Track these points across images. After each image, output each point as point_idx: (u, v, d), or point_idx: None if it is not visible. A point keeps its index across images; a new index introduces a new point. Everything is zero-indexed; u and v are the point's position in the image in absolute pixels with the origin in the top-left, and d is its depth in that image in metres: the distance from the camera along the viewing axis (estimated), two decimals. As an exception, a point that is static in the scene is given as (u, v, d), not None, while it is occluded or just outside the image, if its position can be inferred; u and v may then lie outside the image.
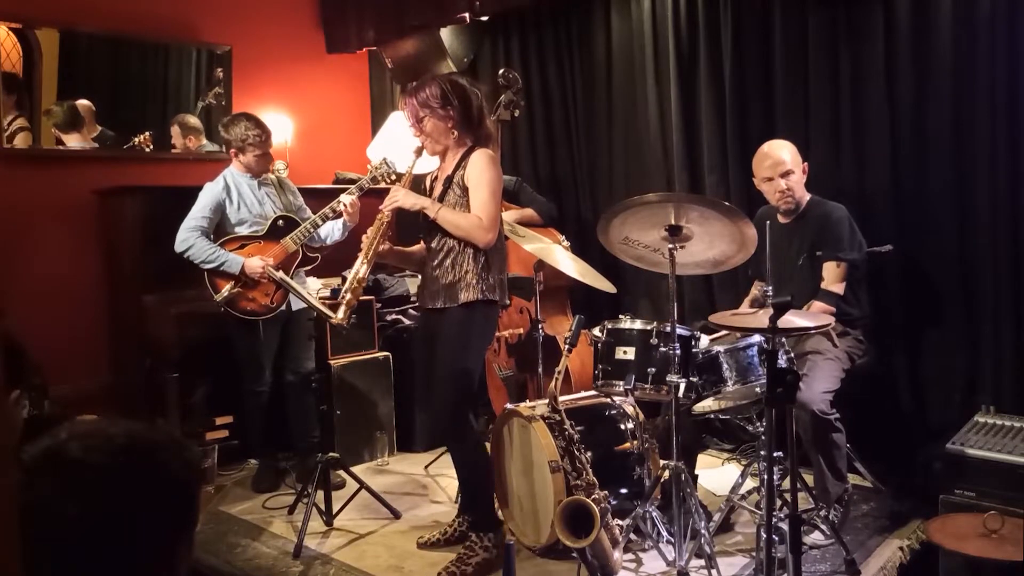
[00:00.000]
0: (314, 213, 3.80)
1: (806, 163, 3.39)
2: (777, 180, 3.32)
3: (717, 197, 3.81)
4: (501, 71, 3.98)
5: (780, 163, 3.31)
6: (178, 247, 3.68)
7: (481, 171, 2.91)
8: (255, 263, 3.65)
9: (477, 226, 2.90)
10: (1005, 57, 3.22)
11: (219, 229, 3.76)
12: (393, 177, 3.69)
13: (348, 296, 3.02)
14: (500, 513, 3.17)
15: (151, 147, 4.60)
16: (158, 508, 0.88)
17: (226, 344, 3.86)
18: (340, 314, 3.03)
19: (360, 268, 3.05)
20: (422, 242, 3.13)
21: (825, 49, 3.68)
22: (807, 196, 3.40)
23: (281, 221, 3.80)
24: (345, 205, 3.60)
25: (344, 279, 4.53)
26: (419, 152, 3.10)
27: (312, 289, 4.11)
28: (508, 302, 3.17)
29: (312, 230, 3.77)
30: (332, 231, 3.87)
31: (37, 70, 4.27)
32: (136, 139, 4.56)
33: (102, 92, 4.53)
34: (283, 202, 3.90)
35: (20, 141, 4.21)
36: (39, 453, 0.87)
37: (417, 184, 3.32)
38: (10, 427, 0.75)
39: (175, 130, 4.79)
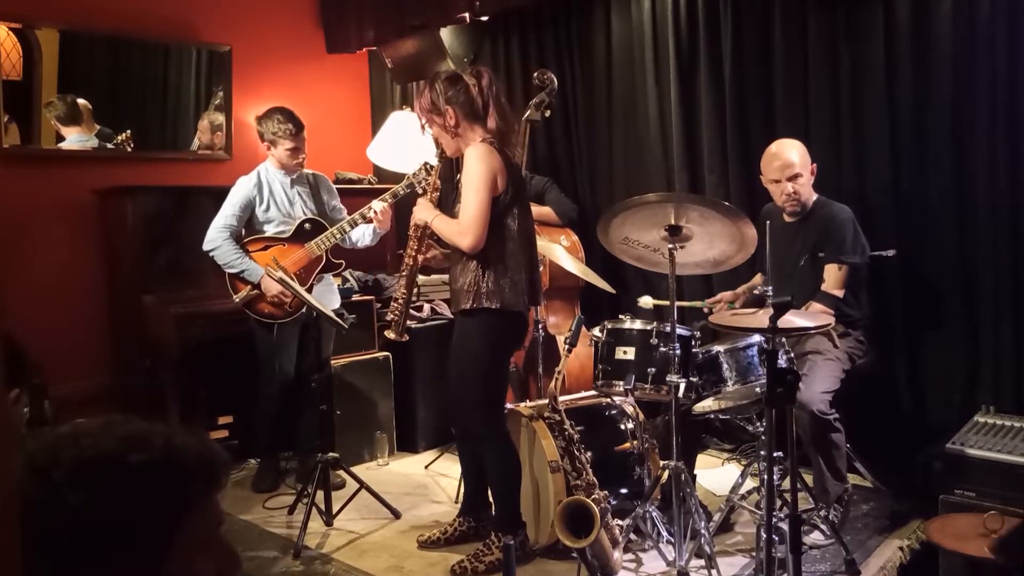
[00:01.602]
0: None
1: (815, 164, 3.37)
2: (784, 183, 3.30)
3: (717, 197, 3.81)
4: (537, 72, 3.95)
5: (788, 166, 3.29)
6: (206, 246, 3.70)
7: (466, 170, 2.82)
8: (273, 287, 3.62)
9: (456, 232, 2.84)
10: (1005, 57, 3.22)
11: (247, 227, 3.77)
12: (432, 181, 3.60)
13: (394, 315, 3.10)
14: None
15: (132, 146, 4.56)
16: (158, 503, 0.88)
17: (227, 344, 3.87)
18: (392, 333, 3.14)
19: (401, 285, 3.12)
20: None
21: (825, 49, 3.67)
22: (814, 196, 3.39)
23: (308, 224, 3.79)
24: (376, 212, 3.60)
25: (344, 279, 4.56)
26: (441, 156, 3.08)
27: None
28: (533, 303, 3.03)
29: (339, 236, 3.74)
30: (363, 236, 3.84)
31: (37, 70, 4.27)
32: (119, 138, 4.54)
33: (102, 92, 4.53)
34: (316, 202, 3.89)
35: (9, 137, 4.20)
36: (40, 448, 0.87)
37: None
38: (10, 425, 0.75)
39: (203, 125, 4.81)
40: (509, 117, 2.99)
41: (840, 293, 3.23)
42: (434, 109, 2.90)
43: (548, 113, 3.95)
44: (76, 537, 0.84)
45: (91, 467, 0.86)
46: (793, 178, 3.28)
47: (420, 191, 3.52)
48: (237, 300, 3.69)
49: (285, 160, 3.78)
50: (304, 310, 3.71)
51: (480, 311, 2.86)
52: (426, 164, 3.52)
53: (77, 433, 0.89)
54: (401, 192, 3.62)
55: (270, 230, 3.78)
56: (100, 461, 0.86)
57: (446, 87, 2.89)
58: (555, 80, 3.92)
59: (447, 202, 3.07)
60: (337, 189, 4.16)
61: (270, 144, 3.77)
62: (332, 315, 3.48)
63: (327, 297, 3.85)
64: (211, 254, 3.69)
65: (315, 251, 3.74)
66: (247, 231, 3.78)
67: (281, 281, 3.48)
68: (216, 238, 3.68)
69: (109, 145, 4.47)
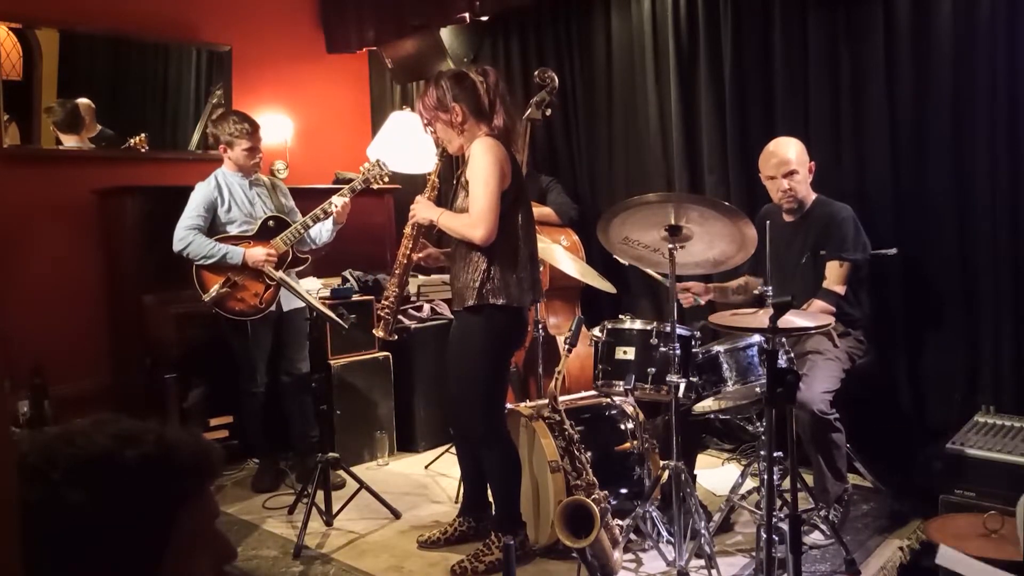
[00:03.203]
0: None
1: (813, 162, 3.37)
2: (780, 180, 3.31)
3: (717, 197, 3.81)
4: (538, 71, 3.94)
5: (784, 163, 3.30)
6: (176, 246, 3.67)
7: (473, 163, 2.81)
8: (258, 253, 3.66)
9: (466, 225, 2.82)
10: (1005, 57, 3.22)
11: (210, 228, 3.77)
12: (386, 179, 3.74)
13: (384, 312, 3.11)
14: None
15: (146, 148, 4.59)
16: (156, 496, 0.88)
17: (224, 344, 3.87)
18: (380, 331, 3.14)
19: (393, 284, 3.13)
20: None
21: (825, 49, 3.67)
22: (812, 195, 3.39)
23: (271, 222, 3.80)
24: (336, 207, 3.68)
25: (344, 279, 4.56)
26: (442, 155, 3.09)
27: (310, 289, 4.12)
28: (537, 300, 3.05)
29: (303, 231, 3.76)
30: (320, 232, 3.85)
31: (37, 70, 4.27)
32: (132, 140, 4.55)
33: (102, 92, 4.53)
34: (274, 203, 3.90)
35: (9, 137, 4.20)
36: (35, 450, 0.87)
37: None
38: (5, 416, 0.75)
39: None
40: (514, 117, 3.00)
41: (842, 290, 3.23)
42: (440, 106, 2.89)
43: (549, 112, 3.95)
44: (78, 536, 0.84)
45: (88, 465, 0.86)
46: (789, 175, 3.29)
47: (375, 185, 3.76)
48: (207, 299, 3.67)
49: (242, 161, 3.80)
50: (275, 308, 3.75)
51: (485, 307, 2.85)
52: (378, 161, 3.73)
53: (70, 433, 0.89)
54: (358, 187, 3.72)
55: (233, 230, 3.77)
56: (97, 459, 0.87)
57: (453, 84, 2.88)
58: (556, 79, 3.91)
59: (446, 201, 3.07)
60: (337, 189, 4.16)
61: (227, 146, 3.79)
62: (332, 315, 3.47)
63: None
64: (185, 252, 3.66)
65: (281, 247, 3.75)
66: (210, 233, 3.76)
67: (281, 281, 3.49)
68: (185, 236, 3.66)
69: (107, 145, 4.48)
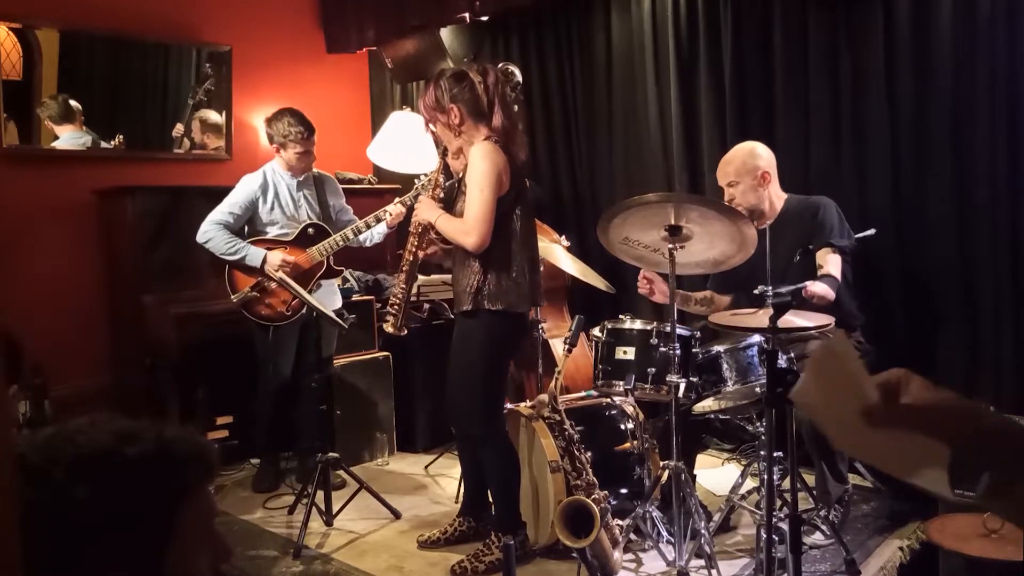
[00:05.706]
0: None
1: (765, 172, 3.29)
2: (725, 189, 3.32)
3: (717, 197, 3.80)
4: (500, 65, 3.85)
5: (725, 175, 3.32)
6: (199, 238, 3.68)
7: (471, 169, 2.80)
8: (276, 258, 3.63)
9: (459, 231, 2.82)
10: (1005, 57, 3.22)
11: (250, 227, 3.76)
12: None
13: (394, 308, 3.10)
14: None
15: (124, 147, 4.56)
16: (159, 492, 0.89)
17: (227, 344, 3.87)
18: (390, 327, 3.12)
19: (401, 280, 3.11)
20: None
21: (825, 49, 3.68)
22: (779, 199, 3.35)
23: (311, 229, 3.78)
24: (390, 215, 3.64)
25: (345, 279, 4.56)
26: (443, 154, 3.07)
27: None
28: (538, 304, 3.05)
29: (342, 243, 3.73)
30: (372, 235, 3.84)
31: (37, 70, 4.27)
32: (112, 143, 4.51)
33: (102, 92, 4.53)
34: (321, 205, 3.87)
35: (8, 137, 4.19)
36: (34, 450, 0.87)
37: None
38: (8, 421, 0.75)
39: (196, 125, 4.81)
40: (514, 116, 2.98)
41: (838, 274, 3.20)
42: (438, 107, 2.88)
43: (515, 109, 3.86)
44: (81, 534, 0.84)
45: (91, 463, 0.86)
46: (731, 185, 3.28)
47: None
48: (235, 300, 3.67)
49: (294, 163, 3.77)
50: (304, 311, 3.72)
51: (481, 312, 2.85)
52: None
53: (69, 432, 0.89)
54: (409, 201, 3.60)
55: (273, 232, 3.77)
56: (99, 456, 0.87)
57: (451, 84, 2.87)
58: (518, 74, 3.77)
59: (449, 200, 3.07)
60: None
61: (279, 147, 3.75)
62: (332, 314, 3.48)
63: (328, 299, 3.84)
64: (206, 245, 3.67)
65: (316, 257, 3.73)
66: (249, 231, 3.77)
67: (281, 281, 3.48)
68: (209, 230, 3.67)
69: (105, 144, 4.47)
